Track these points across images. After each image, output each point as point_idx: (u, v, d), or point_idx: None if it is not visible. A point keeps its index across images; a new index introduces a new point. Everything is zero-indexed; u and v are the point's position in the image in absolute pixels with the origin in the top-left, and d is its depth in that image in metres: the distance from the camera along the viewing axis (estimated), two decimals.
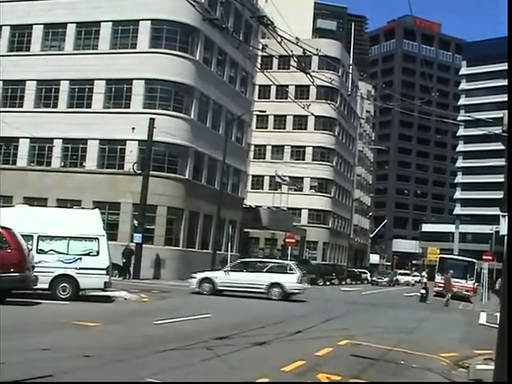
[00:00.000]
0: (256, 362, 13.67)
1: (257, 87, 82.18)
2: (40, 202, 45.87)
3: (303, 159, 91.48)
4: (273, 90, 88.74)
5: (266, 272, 35.51)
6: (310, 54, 25.27)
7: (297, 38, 20.75)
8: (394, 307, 38.34)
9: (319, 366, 13.45)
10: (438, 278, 56.06)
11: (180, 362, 12.92)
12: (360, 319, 27.64)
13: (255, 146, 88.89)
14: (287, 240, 56.90)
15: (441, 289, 51.26)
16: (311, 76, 23.11)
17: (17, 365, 11.11)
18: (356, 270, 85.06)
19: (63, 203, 46.92)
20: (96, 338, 15.91)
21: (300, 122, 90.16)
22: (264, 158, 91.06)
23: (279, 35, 20.00)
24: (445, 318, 32.73)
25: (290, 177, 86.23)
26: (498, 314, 11.85)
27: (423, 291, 45.78)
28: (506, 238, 11.41)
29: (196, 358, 13.23)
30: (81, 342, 14.74)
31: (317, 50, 25.60)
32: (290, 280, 34.85)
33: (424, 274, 51.05)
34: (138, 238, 44.71)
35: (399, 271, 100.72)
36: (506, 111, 11.35)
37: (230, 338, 16.63)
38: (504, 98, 12.36)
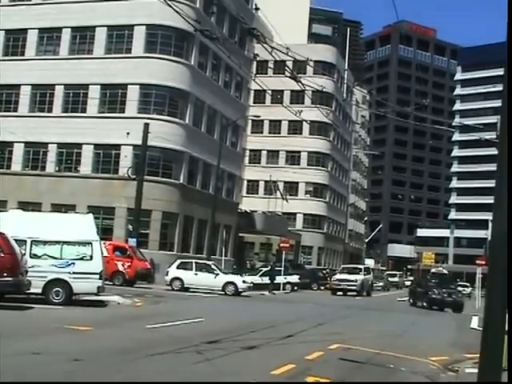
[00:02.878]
0: (246, 366, 13.75)
1: (252, 92, 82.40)
2: (34, 206, 46.00)
3: (298, 164, 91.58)
4: (268, 95, 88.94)
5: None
6: (301, 61, 25.44)
7: (287, 48, 20.90)
8: (386, 311, 38.43)
9: (309, 370, 13.53)
10: None
11: (170, 365, 13.01)
12: (352, 323, 27.72)
13: (250, 150, 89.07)
14: (282, 245, 56.86)
15: None
16: (302, 84, 23.26)
17: (7, 369, 11.17)
18: None
19: (58, 208, 47.08)
20: (88, 342, 15.97)
21: (295, 127, 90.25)
22: (259, 163, 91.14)
23: (270, 46, 20.13)
24: (437, 322, 32.84)
25: (284, 182, 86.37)
26: None
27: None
28: (489, 239, 11.56)
29: (186, 362, 13.32)
30: (72, 346, 14.80)
31: (307, 58, 25.72)
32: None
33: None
34: (132, 242, 44.75)
35: (387, 272, 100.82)
36: (500, 116, 11.45)
37: (221, 341, 16.71)
38: (499, 103, 12.57)
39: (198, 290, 40.43)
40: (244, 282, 41.85)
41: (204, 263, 43.60)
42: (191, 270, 41.40)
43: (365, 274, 57.97)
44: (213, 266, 42.25)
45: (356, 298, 47.52)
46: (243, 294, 40.73)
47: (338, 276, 56.93)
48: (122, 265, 41.52)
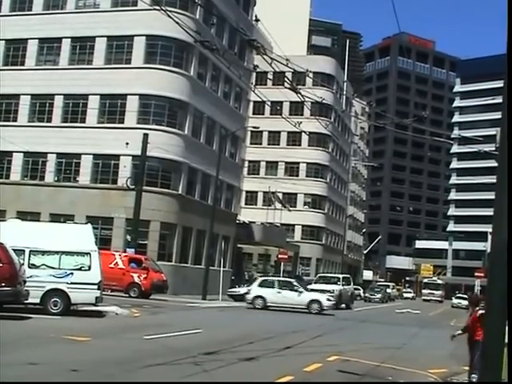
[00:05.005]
0: (243, 378, 13.72)
1: (251, 103, 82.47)
2: (33, 216, 45.87)
3: (297, 175, 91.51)
4: (267, 106, 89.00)
5: None
6: (300, 73, 25.45)
7: (287, 60, 20.92)
8: (384, 323, 38.35)
9: (308, 381, 13.51)
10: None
11: (167, 376, 12.98)
12: (350, 335, 27.67)
13: (249, 161, 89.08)
14: (280, 256, 56.93)
15: None
16: (302, 95, 23.27)
17: (4, 379, 11.13)
18: None
19: (56, 218, 47.02)
20: (85, 352, 15.94)
21: (294, 139, 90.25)
22: (258, 174, 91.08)
23: (270, 57, 20.16)
24: (435, 334, 32.77)
25: (283, 193, 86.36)
26: None
27: None
28: (488, 251, 11.58)
29: (183, 373, 13.28)
30: (70, 357, 14.78)
31: (307, 70, 25.72)
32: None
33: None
34: (130, 253, 44.69)
35: (380, 284, 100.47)
36: (499, 129, 11.45)
37: (219, 353, 16.68)
38: (498, 115, 12.57)
39: (280, 308, 39.87)
40: (328, 299, 41.05)
41: (287, 281, 43.26)
42: (273, 287, 40.83)
43: (343, 284, 52.85)
44: (296, 284, 41.88)
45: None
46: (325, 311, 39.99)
47: (313, 286, 51.65)
48: (138, 276, 41.48)
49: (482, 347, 10.70)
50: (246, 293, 42.02)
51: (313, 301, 39.79)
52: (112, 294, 40.14)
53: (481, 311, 13.38)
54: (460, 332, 14.37)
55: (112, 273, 40.82)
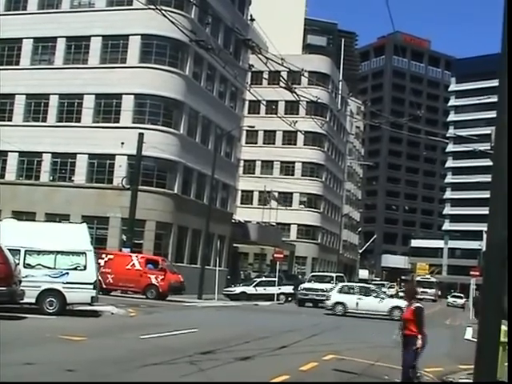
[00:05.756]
0: (239, 377, 13.71)
1: (247, 102, 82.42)
2: (28, 216, 45.80)
3: (292, 175, 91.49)
4: (262, 105, 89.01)
5: None
6: (296, 72, 25.44)
7: (282, 59, 20.91)
8: (380, 322, 38.34)
9: (303, 381, 13.51)
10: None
11: (163, 376, 12.98)
12: (346, 334, 27.66)
13: (245, 161, 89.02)
14: (276, 255, 56.82)
15: None
16: (297, 95, 23.27)
17: (2, 379, 11.12)
18: None
19: (52, 217, 46.98)
20: (81, 352, 15.92)
21: (289, 138, 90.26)
22: (253, 174, 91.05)
23: (265, 56, 20.15)
24: (431, 333, 32.76)
25: (279, 192, 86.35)
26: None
27: None
28: (483, 250, 11.57)
29: (179, 373, 13.28)
30: (66, 357, 14.76)
31: (302, 70, 25.68)
32: None
33: None
34: (126, 252, 44.65)
35: (374, 282, 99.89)
36: (495, 128, 11.49)
37: (215, 352, 16.67)
38: (493, 114, 12.55)
39: (361, 314, 39.45)
40: None
41: (368, 287, 43.11)
42: (354, 294, 40.48)
43: (337, 283, 50.33)
44: (377, 290, 41.82)
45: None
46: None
47: (306, 285, 51.05)
48: (155, 278, 41.26)
49: (477, 346, 10.70)
50: (326, 299, 41.41)
51: (395, 307, 38.95)
52: (129, 295, 40.27)
53: (416, 304, 12.79)
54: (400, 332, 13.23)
55: (129, 274, 40.86)
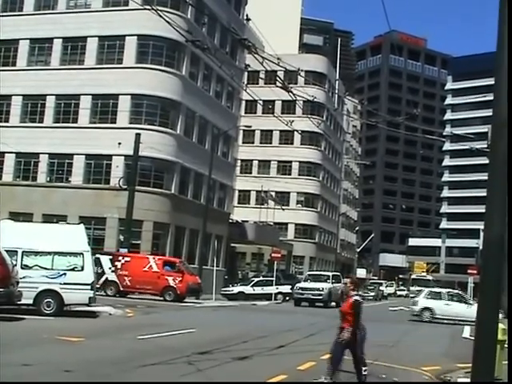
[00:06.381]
0: (237, 377, 13.71)
1: (243, 102, 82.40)
2: (26, 216, 45.78)
3: (289, 174, 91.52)
4: (259, 105, 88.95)
5: None
6: (292, 71, 25.47)
7: (278, 59, 20.95)
8: (378, 321, 38.33)
9: (301, 380, 13.51)
10: None
11: (161, 376, 12.98)
12: None
13: (242, 160, 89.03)
14: (273, 255, 56.82)
15: None
16: (294, 94, 23.30)
17: (1, 380, 11.13)
18: None
19: (49, 218, 46.87)
20: (79, 352, 15.91)
21: (286, 137, 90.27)
22: (250, 173, 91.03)
23: (261, 56, 20.19)
24: (428, 331, 32.83)
25: (276, 192, 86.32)
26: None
27: None
28: (480, 248, 11.58)
29: (177, 373, 13.28)
30: (63, 357, 14.75)
31: (299, 69, 25.73)
32: None
33: None
34: (124, 253, 44.58)
35: (371, 281, 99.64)
36: (491, 125, 11.51)
37: (213, 352, 16.66)
38: (489, 112, 12.50)
39: (448, 320, 39.15)
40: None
41: (456, 292, 42.78)
42: (441, 299, 40.07)
43: (333, 282, 50.69)
44: (465, 296, 41.56)
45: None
46: None
47: (302, 284, 50.55)
48: (173, 280, 40.85)
49: (474, 344, 10.70)
50: (413, 304, 41.52)
51: None
52: (147, 297, 40.12)
53: (355, 297, 12.83)
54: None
55: (146, 276, 40.58)
